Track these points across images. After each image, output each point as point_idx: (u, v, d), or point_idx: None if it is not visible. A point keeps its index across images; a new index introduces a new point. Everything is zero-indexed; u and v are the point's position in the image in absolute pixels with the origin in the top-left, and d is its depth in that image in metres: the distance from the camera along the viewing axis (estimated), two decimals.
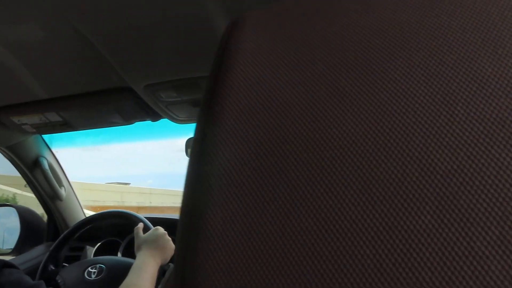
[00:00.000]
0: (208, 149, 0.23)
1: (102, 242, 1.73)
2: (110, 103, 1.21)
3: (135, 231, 1.23)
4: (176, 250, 0.23)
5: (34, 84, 1.13)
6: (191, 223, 0.22)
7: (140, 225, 1.26)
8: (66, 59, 1.02)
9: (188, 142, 1.44)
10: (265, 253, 0.19)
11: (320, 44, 0.24)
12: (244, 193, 0.21)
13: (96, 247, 1.73)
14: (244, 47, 0.25)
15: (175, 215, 1.78)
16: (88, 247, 1.74)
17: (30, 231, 1.70)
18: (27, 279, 0.64)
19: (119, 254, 1.64)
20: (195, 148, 0.24)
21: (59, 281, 1.28)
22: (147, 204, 13.34)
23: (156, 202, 14.27)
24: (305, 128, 0.21)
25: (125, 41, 0.90)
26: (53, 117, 1.28)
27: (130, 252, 1.65)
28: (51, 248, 1.40)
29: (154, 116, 1.28)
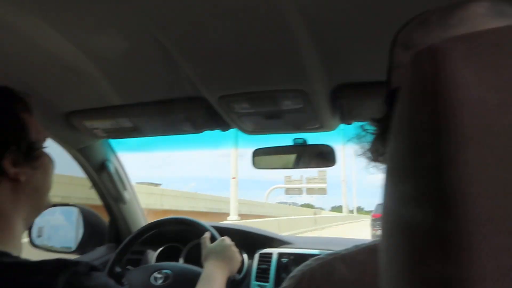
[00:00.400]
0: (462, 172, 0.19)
1: (164, 247, 1.75)
2: (181, 112, 1.20)
3: (202, 241, 1.22)
4: None
5: (110, 91, 1.14)
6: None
7: (207, 234, 1.24)
8: (143, 68, 1.02)
9: (254, 153, 1.41)
10: None
11: None
12: None
13: (157, 252, 1.74)
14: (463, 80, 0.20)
15: (240, 226, 1.76)
16: (149, 251, 1.76)
17: (93, 231, 1.74)
18: (112, 283, 0.64)
19: (181, 260, 1.64)
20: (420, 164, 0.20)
21: (125, 283, 1.29)
22: (157, 207, 13.00)
23: (169, 205, 14.12)
24: None
25: (204, 52, 0.88)
26: (125, 123, 1.29)
27: (191, 258, 1.65)
28: (117, 251, 1.41)
29: (224, 126, 1.26)
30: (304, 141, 1.30)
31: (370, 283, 0.43)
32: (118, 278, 1.31)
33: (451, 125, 0.19)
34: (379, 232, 0.57)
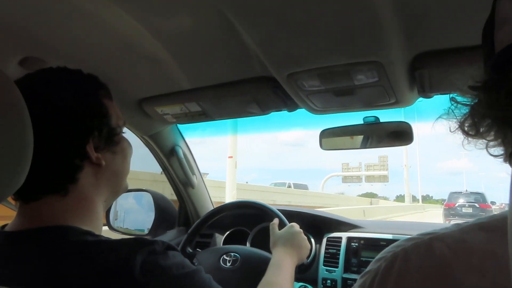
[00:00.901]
0: None
1: (231, 230, 1.77)
2: (248, 93, 1.20)
3: (270, 227, 1.22)
4: None
5: (179, 75, 1.16)
6: None
7: (276, 220, 1.24)
8: (211, 50, 1.02)
9: (322, 134, 1.37)
10: None
11: None
12: None
13: (225, 235, 1.77)
14: None
15: (307, 210, 1.74)
16: (217, 234, 1.79)
17: (164, 215, 1.81)
18: (188, 262, 0.65)
19: (248, 244, 1.66)
20: None
21: (195, 264, 1.32)
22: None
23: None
24: None
25: (273, 28, 0.85)
26: (193, 107, 1.31)
27: (257, 242, 1.66)
28: (189, 232, 1.45)
29: (292, 106, 1.24)
30: (376, 118, 1.24)
31: (478, 267, 0.39)
32: (189, 258, 1.35)
33: None
34: (453, 222, 0.52)
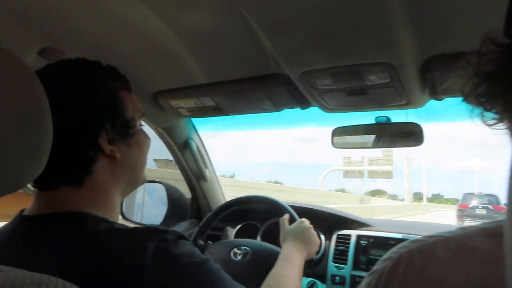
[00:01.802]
0: None
1: (242, 224, 1.80)
2: (262, 90, 1.21)
3: (280, 221, 1.24)
4: None
5: (195, 70, 1.18)
6: None
7: (286, 216, 1.26)
8: (227, 46, 1.04)
9: (334, 133, 1.38)
10: None
11: None
12: None
13: (236, 229, 1.80)
14: None
15: (317, 206, 1.75)
16: (228, 228, 1.82)
17: (176, 207, 1.84)
18: (198, 251, 0.66)
19: (258, 238, 1.68)
20: None
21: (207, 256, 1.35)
22: None
23: None
24: None
25: (288, 26, 0.86)
26: (208, 101, 1.34)
27: (268, 236, 1.68)
28: (200, 224, 1.48)
29: (304, 104, 1.25)
30: (388, 119, 1.25)
31: (479, 274, 0.39)
32: (201, 250, 1.38)
33: None
34: (467, 223, 0.52)
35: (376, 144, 1.33)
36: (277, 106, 1.30)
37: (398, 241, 1.41)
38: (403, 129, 1.23)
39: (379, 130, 1.32)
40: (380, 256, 1.41)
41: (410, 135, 1.21)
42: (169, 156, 1.76)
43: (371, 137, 1.34)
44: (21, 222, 0.66)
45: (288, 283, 0.94)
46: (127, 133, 0.72)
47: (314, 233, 1.19)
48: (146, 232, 0.62)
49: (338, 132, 1.37)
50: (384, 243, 1.44)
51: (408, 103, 1.09)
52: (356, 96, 1.11)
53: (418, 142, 1.20)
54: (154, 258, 0.58)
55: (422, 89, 1.03)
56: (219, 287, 0.66)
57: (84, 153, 0.67)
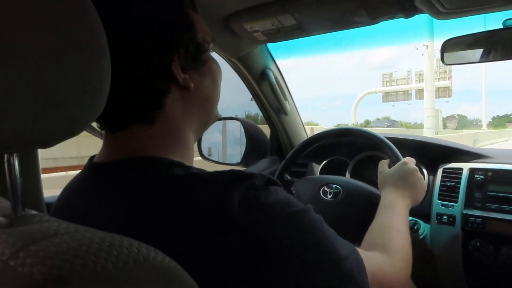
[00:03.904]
0: None
1: (328, 160, 1.64)
2: None
3: (380, 164, 1.08)
4: None
5: None
6: None
7: (386, 160, 1.09)
8: None
9: (444, 45, 1.12)
10: None
11: None
12: None
13: (322, 165, 1.65)
14: None
15: (419, 136, 1.53)
16: (313, 164, 1.68)
17: (255, 144, 1.73)
18: (293, 199, 0.54)
19: (347, 175, 1.52)
20: None
21: (293, 192, 1.23)
22: None
23: None
24: None
25: None
26: (287, 20, 1.13)
27: (357, 173, 1.51)
28: (286, 158, 1.34)
29: (409, 10, 1.00)
30: None
31: None
32: (287, 186, 1.25)
33: None
34: None
35: (504, 56, 1.05)
36: (374, 17, 1.06)
37: None
38: None
39: (508, 36, 1.03)
40: (502, 192, 1.19)
41: None
42: None
43: (497, 47, 1.06)
44: (90, 170, 0.59)
45: (398, 236, 0.79)
46: (200, 59, 0.60)
47: (421, 176, 1.01)
48: (230, 177, 0.49)
49: (451, 44, 1.11)
50: (509, 177, 1.20)
51: None
52: None
53: None
54: (242, 209, 0.46)
55: None
56: (323, 244, 0.51)
57: (155, 83, 0.55)
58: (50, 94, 0.35)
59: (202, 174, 0.51)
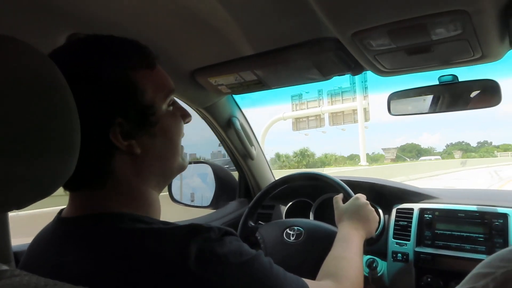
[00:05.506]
0: None
1: (293, 202, 1.72)
2: (307, 57, 1.10)
3: (334, 200, 1.16)
4: None
5: (234, 42, 1.08)
6: None
7: (340, 195, 1.17)
8: (268, 11, 0.93)
9: (390, 97, 1.25)
10: None
11: None
12: None
13: (287, 206, 1.72)
14: None
15: (372, 179, 1.64)
16: (279, 205, 1.75)
17: (224, 187, 1.80)
18: (246, 247, 0.60)
19: (311, 216, 1.60)
20: None
21: (258, 237, 1.29)
22: None
23: None
24: None
25: None
26: (249, 76, 1.24)
27: (320, 213, 1.59)
28: (249, 205, 1.41)
29: (356, 69, 1.13)
30: (455, 77, 1.09)
31: None
32: (251, 232, 1.32)
33: None
34: None
35: (441, 108, 1.18)
36: (326, 74, 1.18)
37: (469, 214, 1.27)
38: (475, 88, 1.08)
39: (444, 91, 1.17)
40: (448, 230, 1.29)
41: (484, 93, 1.06)
42: None
43: (435, 100, 1.20)
44: (59, 223, 0.63)
45: (350, 265, 0.86)
46: (147, 122, 0.60)
47: (372, 209, 1.10)
48: (188, 231, 0.55)
49: (396, 96, 1.24)
50: (453, 216, 1.31)
51: (482, 57, 0.93)
52: (418, 54, 0.97)
53: (494, 101, 1.04)
54: (198, 261, 0.52)
55: (501, 39, 0.87)
56: (273, 285, 0.58)
57: (97, 153, 0.57)
58: (23, 158, 0.39)
59: (162, 229, 0.56)
